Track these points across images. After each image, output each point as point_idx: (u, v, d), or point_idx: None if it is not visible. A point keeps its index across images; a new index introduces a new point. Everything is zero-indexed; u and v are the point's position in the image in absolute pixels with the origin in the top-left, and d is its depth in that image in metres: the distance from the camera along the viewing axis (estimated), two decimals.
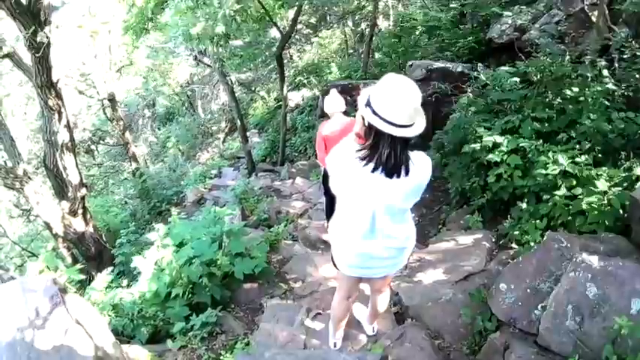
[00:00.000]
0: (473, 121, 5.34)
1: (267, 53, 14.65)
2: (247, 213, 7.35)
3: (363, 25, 15.45)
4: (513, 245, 4.31)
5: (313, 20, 16.74)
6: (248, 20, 11.59)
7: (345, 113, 4.91)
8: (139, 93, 20.62)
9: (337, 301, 3.12)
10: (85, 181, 7.00)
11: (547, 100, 5.05)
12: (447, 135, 6.05)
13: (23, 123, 13.14)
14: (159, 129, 22.68)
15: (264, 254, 4.77)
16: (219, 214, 4.96)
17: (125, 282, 5.10)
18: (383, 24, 15.33)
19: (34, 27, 4.88)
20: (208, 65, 17.69)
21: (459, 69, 8.15)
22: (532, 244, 3.95)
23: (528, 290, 3.25)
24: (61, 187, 6.74)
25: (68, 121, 6.26)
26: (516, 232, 4.27)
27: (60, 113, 6.02)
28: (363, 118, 2.10)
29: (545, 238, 3.55)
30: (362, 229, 2.41)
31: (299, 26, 15.06)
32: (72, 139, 6.43)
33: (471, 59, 8.84)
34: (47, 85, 5.67)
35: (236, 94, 13.72)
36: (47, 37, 4.78)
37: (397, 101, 1.98)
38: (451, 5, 10.31)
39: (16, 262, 9.84)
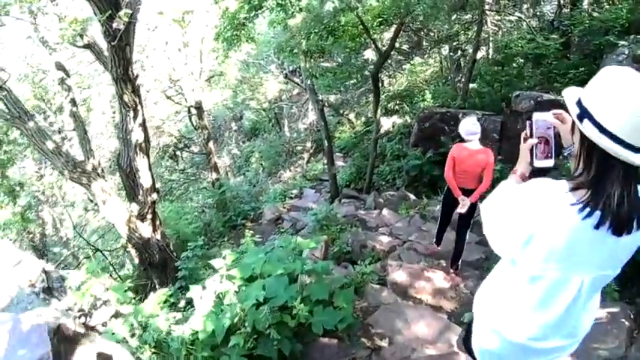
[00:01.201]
0: None
1: (359, 76, 14.00)
2: (328, 242, 6.45)
3: (459, 53, 14.35)
4: None
5: (406, 47, 15.91)
6: (344, 37, 10.95)
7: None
8: (226, 104, 20.70)
9: None
10: (159, 185, 6.47)
11: None
12: None
13: (110, 123, 13.23)
14: (243, 142, 22.66)
15: (351, 304, 3.76)
16: (301, 246, 4.01)
17: (183, 303, 4.63)
18: (479, 53, 14.17)
19: (110, 11, 4.32)
20: (298, 84, 17.40)
21: None
22: None
23: None
24: (132, 189, 6.32)
25: (144, 121, 5.79)
26: None
27: (136, 110, 5.54)
28: (543, 147, 1.54)
29: None
30: (552, 310, 1.53)
31: (391, 52, 14.29)
32: (147, 139, 5.93)
33: None
34: (123, 79, 5.20)
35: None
36: (124, 23, 4.16)
37: (636, 111, 1.24)
38: (552, 36, 9.66)
39: (88, 253, 9.78)
